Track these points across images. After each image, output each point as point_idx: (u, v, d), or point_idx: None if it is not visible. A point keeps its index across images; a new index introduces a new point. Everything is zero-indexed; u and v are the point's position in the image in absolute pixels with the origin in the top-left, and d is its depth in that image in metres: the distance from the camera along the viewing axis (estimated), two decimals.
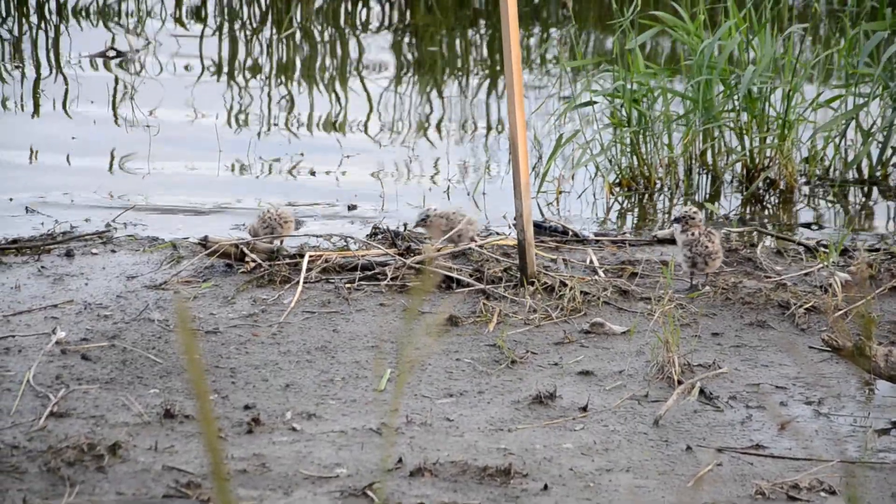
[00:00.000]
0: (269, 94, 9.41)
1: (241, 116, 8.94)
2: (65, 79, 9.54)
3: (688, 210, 6.06)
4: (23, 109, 8.88)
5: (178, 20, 11.11)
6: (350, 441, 4.79)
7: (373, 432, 4.85)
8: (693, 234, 6.03)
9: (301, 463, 4.64)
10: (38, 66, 9.76)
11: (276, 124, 8.83)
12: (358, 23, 11.21)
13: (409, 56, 10.44)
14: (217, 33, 10.86)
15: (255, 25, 11.06)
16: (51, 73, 9.68)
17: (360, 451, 4.72)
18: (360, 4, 11.51)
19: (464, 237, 6.29)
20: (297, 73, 9.95)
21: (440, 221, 6.26)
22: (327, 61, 10.26)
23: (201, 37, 10.72)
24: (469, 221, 6.29)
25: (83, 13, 11.13)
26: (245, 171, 7.98)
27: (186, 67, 9.96)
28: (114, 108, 8.96)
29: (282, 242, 6.31)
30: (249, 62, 10.21)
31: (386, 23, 11.27)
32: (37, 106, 8.97)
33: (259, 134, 8.60)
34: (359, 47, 10.62)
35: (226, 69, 10.01)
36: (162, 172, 7.90)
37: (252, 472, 4.56)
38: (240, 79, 9.82)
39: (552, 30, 11.01)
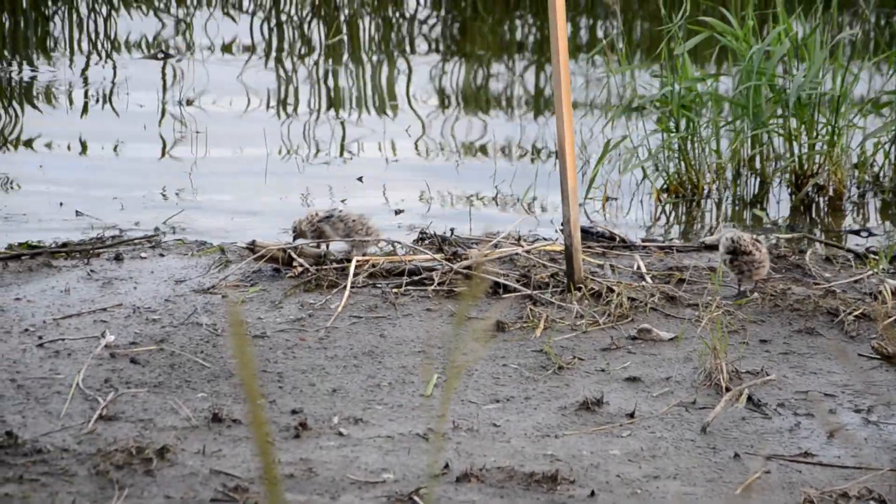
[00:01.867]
0: (318, 87, 9.43)
1: (290, 112, 8.97)
2: (114, 71, 9.59)
3: (737, 241, 5.97)
4: (71, 103, 8.94)
5: (226, 13, 11.15)
6: (397, 446, 4.79)
7: (419, 437, 4.86)
8: (743, 263, 5.97)
9: (348, 468, 4.65)
10: (88, 57, 9.82)
11: (323, 114, 8.85)
12: (406, 13, 11.22)
13: (457, 47, 10.44)
14: (265, 22, 10.89)
15: (302, 18, 11.09)
16: (98, 63, 9.74)
17: (407, 456, 4.73)
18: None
19: (358, 246, 6.25)
20: (345, 63, 9.98)
21: (339, 225, 6.24)
22: (374, 53, 10.28)
23: (250, 28, 10.76)
24: (365, 229, 6.24)
25: (132, 2, 11.19)
26: (293, 176, 8.00)
27: (232, 53, 10.00)
28: (162, 108, 9.00)
29: (328, 247, 6.33)
30: (297, 55, 10.24)
31: (433, 14, 11.27)
32: (86, 100, 9.03)
33: (307, 123, 8.62)
34: (410, 38, 10.62)
35: (272, 61, 10.04)
36: (210, 176, 7.94)
37: (299, 477, 4.58)
38: (288, 67, 9.84)
39: (598, 23, 10.99)
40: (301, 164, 8.16)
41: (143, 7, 11.19)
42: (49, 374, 5.23)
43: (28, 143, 8.38)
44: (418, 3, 11.59)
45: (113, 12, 11.05)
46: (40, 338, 5.52)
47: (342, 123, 8.82)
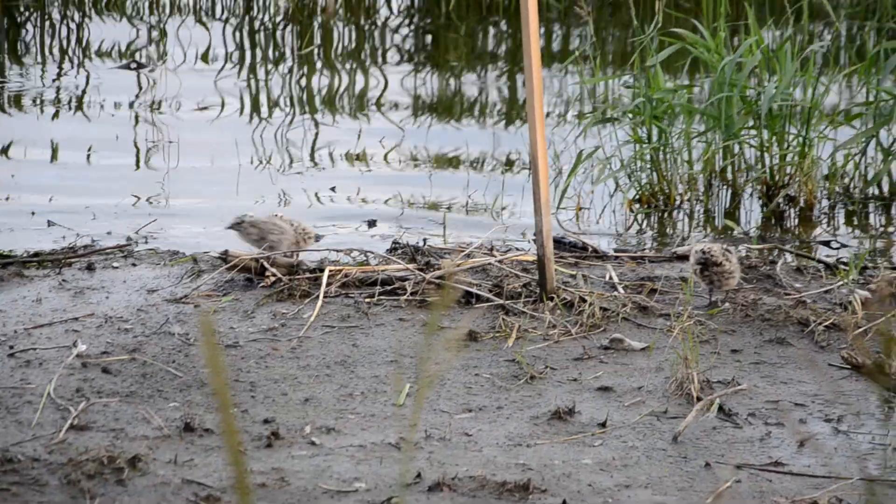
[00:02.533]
0: (291, 97, 9.43)
1: (263, 120, 8.97)
2: (86, 79, 9.57)
3: (708, 253, 5.99)
4: (42, 111, 8.92)
5: (199, 20, 11.14)
6: (369, 455, 4.80)
7: (392, 447, 4.86)
8: (712, 275, 6.00)
9: (320, 477, 4.65)
10: (59, 64, 9.80)
11: (297, 143, 8.85)
12: (378, 22, 11.23)
13: (430, 58, 10.45)
14: (237, 30, 10.89)
15: (274, 25, 11.10)
16: (72, 71, 9.72)
17: (379, 465, 4.73)
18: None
19: (276, 247, 6.29)
20: (319, 72, 9.98)
21: (252, 231, 6.28)
22: (348, 57, 10.29)
23: (223, 35, 10.76)
24: (280, 231, 6.28)
25: (105, 8, 11.17)
26: (266, 184, 8.00)
27: (206, 62, 10.01)
28: (134, 117, 9.00)
29: (298, 256, 6.33)
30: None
31: (406, 21, 11.29)
32: (57, 107, 9.01)
33: (281, 146, 8.63)
34: (382, 43, 10.63)
35: (245, 70, 10.04)
36: (183, 185, 7.93)
37: (271, 486, 4.58)
38: (261, 76, 9.84)
39: (571, 32, 11.02)
40: (274, 174, 8.16)
41: (116, 15, 11.17)
42: (20, 384, 5.21)
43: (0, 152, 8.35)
44: (391, 11, 11.62)
45: (86, 20, 11.04)
46: (11, 347, 5.51)
47: (316, 133, 8.82)
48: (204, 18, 11.41)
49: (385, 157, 8.55)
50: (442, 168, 8.40)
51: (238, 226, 6.30)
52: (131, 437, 4.86)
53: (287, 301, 6.02)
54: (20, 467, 4.62)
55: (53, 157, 8.25)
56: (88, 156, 8.26)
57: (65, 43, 10.72)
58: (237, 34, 11.17)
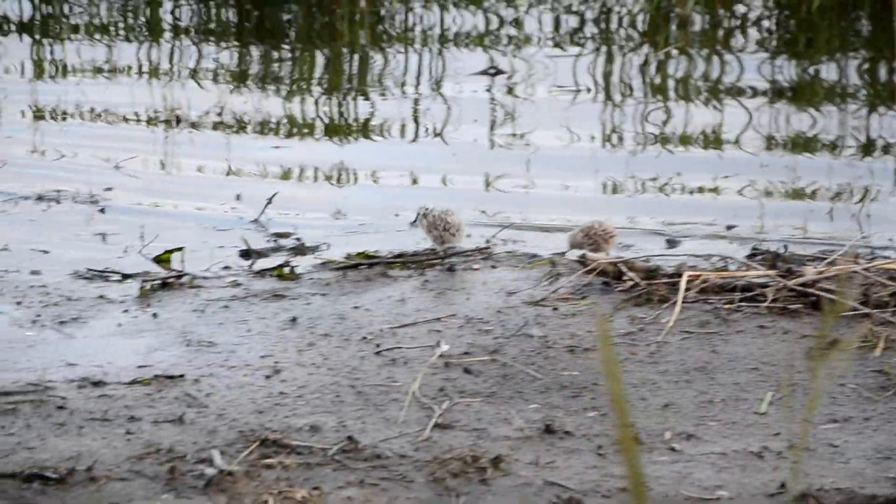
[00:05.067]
0: (643, 113, 9.40)
1: (616, 135, 8.96)
2: (444, 101, 9.76)
3: None
4: (403, 133, 9.12)
5: (557, 44, 11.23)
6: (731, 463, 4.73)
7: (753, 455, 4.78)
8: None
9: (681, 484, 4.60)
10: (418, 89, 10.02)
11: (651, 142, 8.81)
12: (735, 44, 11.09)
13: (786, 77, 10.24)
14: (594, 55, 10.91)
15: (631, 46, 11.08)
16: (431, 94, 9.93)
17: (741, 473, 4.66)
18: (737, 30, 11.39)
19: (452, 239, 6.51)
20: (672, 91, 9.91)
21: (424, 221, 6.53)
22: (702, 80, 10.18)
23: (577, 56, 10.81)
24: (443, 224, 6.51)
25: (463, 39, 11.38)
26: (619, 190, 7.99)
27: (561, 87, 10.06)
28: (491, 129, 9.12)
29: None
30: (624, 81, 10.22)
31: (763, 45, 11.11)
32: (417, 126, 9.21)
33: (634, 152, 8.60)
34: (738, 67, 10.49)
35: (601, 88, 10.04)
36: (538, 191, 7.99)
37: (633, 491, 4.55)
38: (616, 97, 9.84)
39: None
40: (628, 184, 8.12)
41: (473, 8, 11.39)
42: (386, 382, 5.34)
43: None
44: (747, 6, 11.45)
45: (444, 12, 11.29)
46: (377, 346, 5.65)
47: (670, 152, 8.73)
48: (561, 11, 11.50)
49: (739, 138, 8.42)
50: (803, 153, 8.21)
51: (420, 219, 6.59)
52: (493, 437, 4.91)
53: (645, 305, 5.99)
54: (388, 463, 4.73)
55: (413, 178, 8.41)
56: (443, 176, 8.37)
57: (426, 32, 10.96)
58: (594, 23, 11.20)
